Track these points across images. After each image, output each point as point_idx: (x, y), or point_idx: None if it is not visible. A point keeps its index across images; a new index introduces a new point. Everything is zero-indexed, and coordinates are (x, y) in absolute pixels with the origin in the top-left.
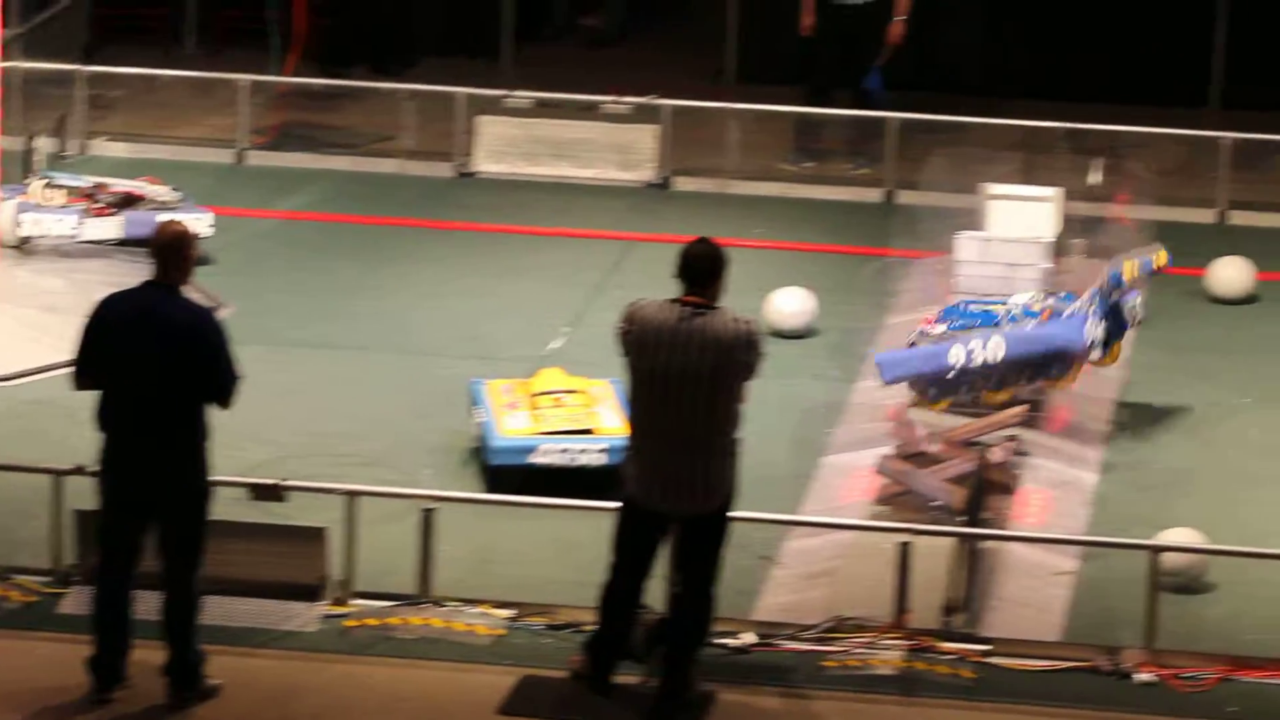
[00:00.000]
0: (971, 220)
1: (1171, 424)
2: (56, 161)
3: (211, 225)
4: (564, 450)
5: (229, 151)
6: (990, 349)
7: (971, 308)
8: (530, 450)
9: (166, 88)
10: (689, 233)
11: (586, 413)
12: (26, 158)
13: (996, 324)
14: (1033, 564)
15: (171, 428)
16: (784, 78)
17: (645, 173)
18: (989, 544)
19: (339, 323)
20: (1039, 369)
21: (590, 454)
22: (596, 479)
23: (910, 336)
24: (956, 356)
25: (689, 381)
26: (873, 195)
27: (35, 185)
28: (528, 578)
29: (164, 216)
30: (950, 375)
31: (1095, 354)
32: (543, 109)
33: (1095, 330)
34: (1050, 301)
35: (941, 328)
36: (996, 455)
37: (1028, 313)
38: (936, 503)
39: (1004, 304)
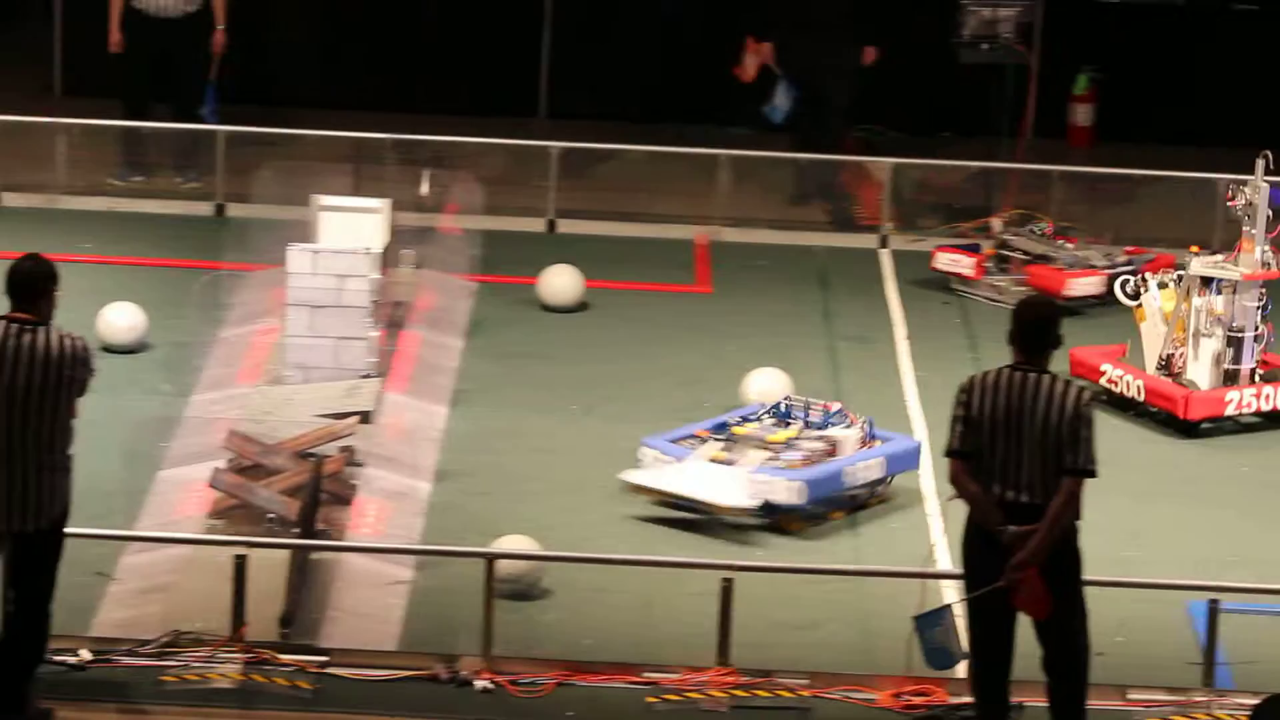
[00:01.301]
0: (303, 232)
1: (504, 431)
2: None
3: None
4: None
5: None
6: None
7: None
8: None
9: None
10: (18, 249)
11: None
12: None
13: (731, 438)
14: (369, 574)
15: None
16: (112, 92)
17: None
18: (325, 555)
19: None
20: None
21: None
22: None
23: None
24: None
25: (19, 398)
26: (203, 209)
27: None
28: None
29: None
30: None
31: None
32: None
33: (762, 489)
34: (800, 439)
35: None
36: (331, 466)
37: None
38: (272, 515)
39: (787, 427)
